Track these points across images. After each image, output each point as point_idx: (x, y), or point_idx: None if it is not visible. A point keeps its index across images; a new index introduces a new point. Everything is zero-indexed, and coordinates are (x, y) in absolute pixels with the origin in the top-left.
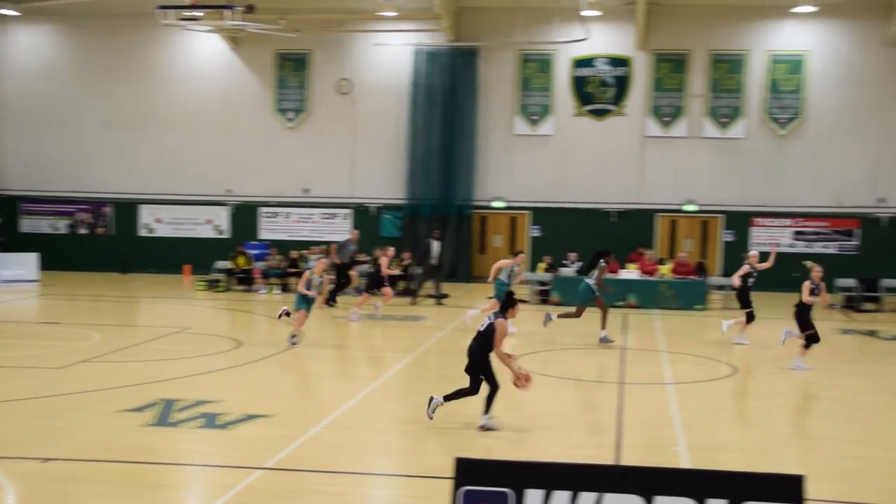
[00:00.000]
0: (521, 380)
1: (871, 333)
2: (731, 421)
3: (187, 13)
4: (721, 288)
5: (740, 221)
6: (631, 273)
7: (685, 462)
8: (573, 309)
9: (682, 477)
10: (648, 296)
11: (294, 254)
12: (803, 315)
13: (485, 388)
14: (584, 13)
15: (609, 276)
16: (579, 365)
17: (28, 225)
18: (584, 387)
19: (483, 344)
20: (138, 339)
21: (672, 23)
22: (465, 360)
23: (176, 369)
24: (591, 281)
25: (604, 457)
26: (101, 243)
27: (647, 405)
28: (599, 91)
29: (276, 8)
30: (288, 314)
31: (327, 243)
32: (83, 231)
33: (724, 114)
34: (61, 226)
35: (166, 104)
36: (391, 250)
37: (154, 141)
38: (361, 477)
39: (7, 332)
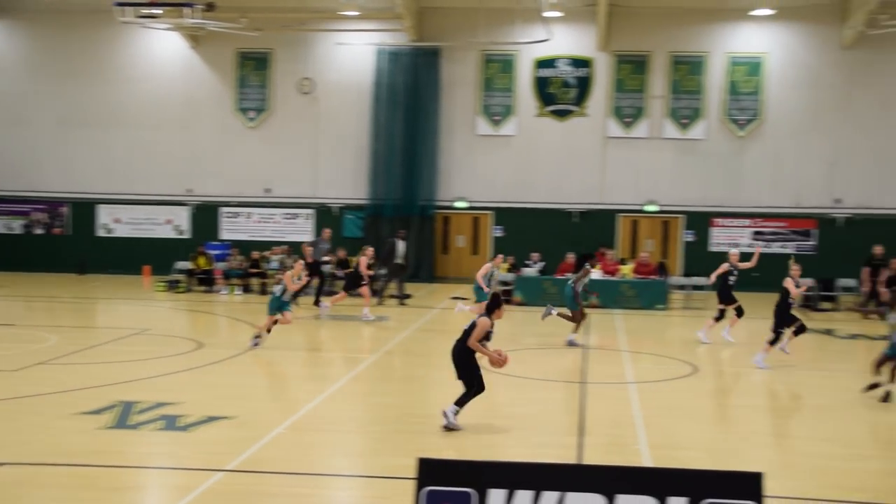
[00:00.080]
0: (499, 361)
1: (828, 332)
2: (692, 419)
3: (146, 10)
4: (682, 287)
5: (700, 222)
6: (593, 273)
7: (647, 461)
8: (570, 313)
9: (644, 475)
10: (610, 296)
11: (255, 254)
12: (785, 310)
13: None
14: (546, 14)
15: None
16: (542, 365)
17: None
18: (546, 387)
19: (466, 342)
20: (96, 341)
21: (633, 24)
22: (430, 361)
23: (135, 371)
24: (571, 283)
25: (566, 456)
26: (57, 244)
27: (610, 404)
28: (561, 92)
29: (237, 6)
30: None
31: (289, 244)
32: (39, 231)
33: (685, 115)
34: (16, 226)
35: (125, 103)
36: (370, 250)
37: (112, 140)
38: (324, 478)
39: None
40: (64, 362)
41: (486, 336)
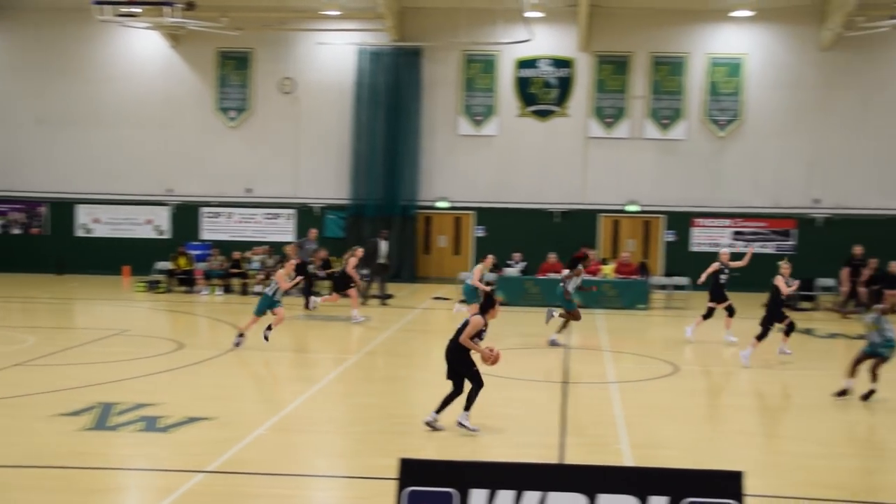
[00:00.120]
0: (491, 357)
1: (808, 332)
2: (673, 419)
3: (125, 9)
4: (663, 287)
5: (681, 222)
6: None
7: (628, 460)
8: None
9: (625, 475)
10: (591, 295)
11: (236, 254)
12: (777, 308)
13: (468, 386)
14: (528, 14)
15: (587, 277)
16: (524, 365)
17: None
18: (528, 386)
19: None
20: (75, 342)
21: (614, 25)
22: (412, 362)
23: (115, 372)
24: (562, 284)
25: (548, 456)
26: (36, 244)
27: (591, 404)
28: (543, 92)
29: (218, 5)
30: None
31: (270, 244)
32: (17, 231)
33: (665, 115)
34: None
35: (104, 102)
36: (360, 251)
37: (91, 139)
38: (305, 479)
39: None
40: (42, 363)
41: (479, 335)
